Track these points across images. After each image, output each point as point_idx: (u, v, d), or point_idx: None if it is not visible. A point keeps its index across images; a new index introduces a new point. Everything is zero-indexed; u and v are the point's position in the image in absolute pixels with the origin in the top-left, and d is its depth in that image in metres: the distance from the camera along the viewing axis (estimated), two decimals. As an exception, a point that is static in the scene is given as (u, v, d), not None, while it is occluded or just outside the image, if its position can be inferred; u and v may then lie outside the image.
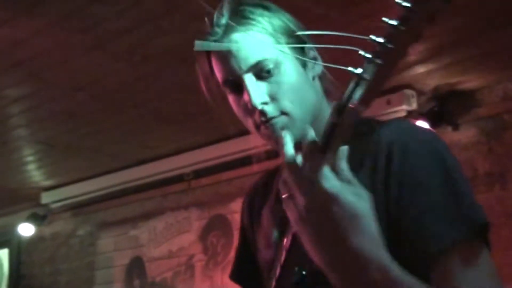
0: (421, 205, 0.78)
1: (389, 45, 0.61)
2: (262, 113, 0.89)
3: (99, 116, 3.31)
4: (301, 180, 0.71)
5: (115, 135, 3.63)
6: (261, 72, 0.89)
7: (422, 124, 2.84)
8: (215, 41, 0.92)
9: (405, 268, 0.72)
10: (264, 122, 0.90)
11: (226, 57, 0.91)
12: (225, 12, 0.93)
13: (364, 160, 0.85)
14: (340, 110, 0.67)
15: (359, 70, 0.64)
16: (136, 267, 4.29)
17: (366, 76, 0.64)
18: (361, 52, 0.63)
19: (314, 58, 0.95)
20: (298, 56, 0.92)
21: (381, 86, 0.65)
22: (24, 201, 4.85)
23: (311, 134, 0.72)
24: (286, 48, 0.91)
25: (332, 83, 0.98)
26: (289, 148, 0.74)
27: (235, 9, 0.93)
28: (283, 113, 0.90)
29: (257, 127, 0.92)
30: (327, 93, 0.98)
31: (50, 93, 2.98)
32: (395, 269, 0.70)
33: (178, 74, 2.75)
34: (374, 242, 0.70)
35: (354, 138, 0.71)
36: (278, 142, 0.88)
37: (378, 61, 0.62)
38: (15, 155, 3.88)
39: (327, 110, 0.94)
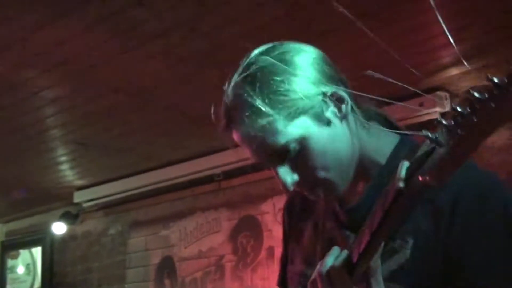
0: (481, 256, 0.77)
1: (474, 118, 0.52)
2: (301, 190, 0.90)
3: (133, 117, 3.36)
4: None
5: (148, 135, 3.68)
6: (285, 156, 0.86)
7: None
8: (224, 128, 0.91)
9: None
10: (308, 195, 0.92)
11: (243, 145, 0.90)
12: (231, 99, 0.89)
13: (426, 215, 0.81)
14: (407, 177, 0.62)
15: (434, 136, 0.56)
16: (167, 266, 4.34)
17: (444, 143, 0.55)
18: (440, 119, 0.56)
19: (339, 100, 0.88)
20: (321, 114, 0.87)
21: (469, 152, 0.55)
22: (57, 200, 4.95)
23: (343, 254, 0.77)
24: (302, 116, 0.85)
25: (365, 107, 0.93)
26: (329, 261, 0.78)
27: (241, 98, 0.87)
28: (321, 182, 0.88)
29: None
30: (363, 123, 0.92)
31: (86, 94, 3.04)
32: None
33: (212, 76, 2.78)
34: None
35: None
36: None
37: (460, 131, 0.53)
38: (49, 155, 3.97)
39: (369, 140, 0.92)
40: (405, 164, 0.63)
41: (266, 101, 0.84)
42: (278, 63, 0.86)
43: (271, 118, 0.84)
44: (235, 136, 0.89)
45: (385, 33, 2.36)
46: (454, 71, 2.80)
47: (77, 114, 3.30)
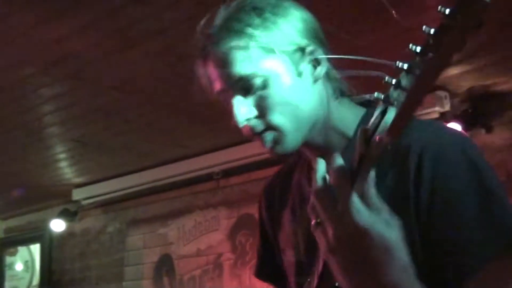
0: (454, 218, 0.76)
1: (430, 54, 0.54)
2: (250, 128, 0.88)
3: (132, 115, 3.36)
4: (331, 209, 0.68)
5: (147, 134, 3.67)
6: (248, 86, 0.87)
7: (455, 126, 2.81)
8: (202, 49, 0.91)
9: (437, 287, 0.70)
10: (254, 136, 0.89)
11: (215, 69, 0.90)
12: (218, 20, 0.90)
13: (394, 166, 0.81)
14: (367, 140, 0.64)
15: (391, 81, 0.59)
16: (165, 264, 4.34)
17: (399, 93, 0.58)
18: (397, 63, 0.57)
19: (317, 60, 0.90)
20: (291, 64, 0.88)
21: (414, 106, 0.58)
22: (56, 197, 4.95)
23: (339, 161, 0.69)
24: (278, 57, 0.87)
25: (341, 81, 0.94)
26: (320, 175, 0.71)
27: (228, 18, 0.90)
28: (272, 127, 0.87)
29: (252, 138, 0.91)
30: (337, 92, 0.93)
31: (85, 92, 3.03)
32: None
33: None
34: (406, 274, 0.67)
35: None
36: (271, 153, 0.89)
37: (417, 71, 0.56)
38: (48, 152, 3.96)
39: (337, 112, 0.92)
40: (363, 129, 0.65)
41: (251, 25, 0.87)
42: (275, 1, 0.89)
43: (249, 43, 0.86)
44: (209, 59, 0.90)
45: (383, 33, 2.36)
46: (453, 70, 2.80)
47: (75, 112, 3.29)
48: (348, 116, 0.92)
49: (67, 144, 3.83)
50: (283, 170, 1.11)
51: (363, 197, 0.67)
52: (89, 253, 4.89)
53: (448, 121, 2.94)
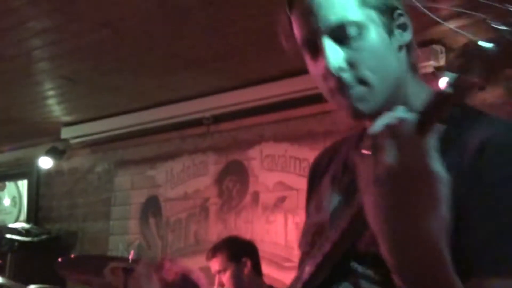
0: (492, 219, 0.72)
1: None
2: (339, 80, 0.83)
3: (123, 54, 3.30)
4: (400, 138, 0.65)
5: (137, 75, 3.62)
6: (342, 35, 0.83)
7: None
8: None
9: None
10: (339, 89, 0.84)
11: (306, 15, 0.85)
12: None
13: (454, 148, 0.77)
14: (455, 82, 0.61)
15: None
16: (152, 206, 4.38)
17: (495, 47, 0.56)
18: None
19: (404, 26, 0.87)
20: (385, 21, 0.84)
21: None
22: (44, 135, 4.92)
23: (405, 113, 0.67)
24: (372, 11, 0.84)
25: (418, 57, 0.91)
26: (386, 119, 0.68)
27: None
28: (362, 82, 0.83)
29: (332, 94, 0.86)
30: (413, 67, 0.90)
31: (75, 28, 2.96)
32: (452, 269, 0.66)
33: (205, 16, 2.71)
34: (444, 233, 0.65)
35: (449, 121, 0.66)
36: (352, 111, 0.84)
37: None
38: (37, 88, 3.91)
39: (411, 86, 0.88)
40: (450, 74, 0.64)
41: None
42: None
43: None
44: (297, 4, 0.86)
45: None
46: (451, 25, 2.75)
47: (65, 48, 3.23)
48: (421, 93, 0.87)
49: (56, 81, 3.78)
50: (336, 143, 1.08)
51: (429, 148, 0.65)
52: (77, 191, 4.91)
53: (442, 76, 2.91)
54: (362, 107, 0.84)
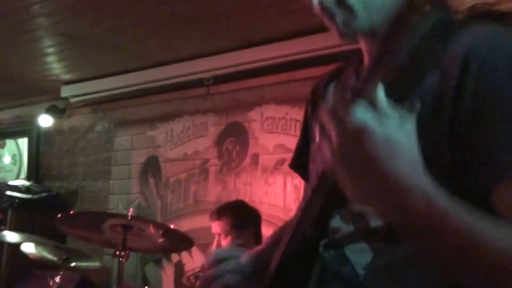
0: (496, 124, 0.70)
1: None
2: (321, 3, 0.85)
3: (123, 12, 3.24)
4: (334, 118, 0.66)
5: (138, 33, 3.58)
6: None
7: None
8: None
9: (462, 196, 0.66)
10: (324, 14, 0.86)
11: None
12: None
13: (437, 67, 0.74)
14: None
15: None
16: (152, 166, 4.39)
17: None
18: None
19: None
20: None
21: None
22: (44, 93, 4.90)
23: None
24: None
25: None
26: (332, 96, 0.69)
27: None
28: (345, 6, 0.84)
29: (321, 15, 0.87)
30: None
31: (74, -17, 2.91)
32: (443, 198, 0.64)
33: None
34: (414, 168, 0.64)
35: (426, 38, 0.63)
36: (341, 36, 0.85)
37: None
38: (36, 45, 3.86)
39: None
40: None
41: None
42: None
43: None
44: None
45: None
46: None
47: (65, 4, 3.18)
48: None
49: (55, 38, 3.73)
50: (335, 68, 1.08)
51: (371, 102, 0.64)
52: (77, 150, 4.92)
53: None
54: (347, 31, 0.86)
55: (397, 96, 0.69)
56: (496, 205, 0.68)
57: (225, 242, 2.79)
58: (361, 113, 0.64)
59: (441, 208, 0.63)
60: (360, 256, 0.81)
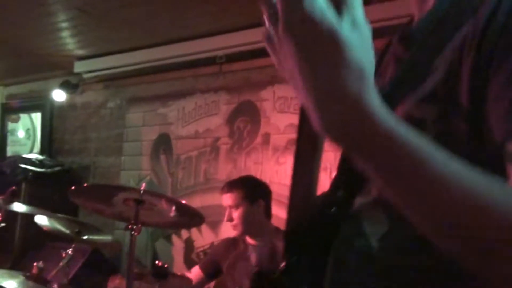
0: None
1: None
2: None
3: (137, -13, 3.24)
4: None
5: (152, 9, 3.57)
6: None
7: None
8: None
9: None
10: None
11: None
12: None
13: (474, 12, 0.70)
14: None
15: None
16: (163, 143, 4.42)
17: None
18: None
19: None
20: None
21: None
22: (57, 68, 4.92)
23: None
24: None
25: None
26: None
27: None
28: None
29: None
30: None
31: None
32: (400, 127, 0.57)
33: None
34: (363, 84, 0.56)
35: None
36: None
37: None
38: (50, 19, 3.87)
39: None
40: None
41: None
42: None
43: None
44: None
45: None
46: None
47: (79, -22, 3.17)
48: None
49: (69, 13, 3.74)
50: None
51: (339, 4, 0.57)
52: (89, 126, 4.96)
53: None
54: None
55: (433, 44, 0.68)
56: (506, 160, 0.63)
57: (236, 214, 2.83)
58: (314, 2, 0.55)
59: (389, 129, 0.56)
60: (375, 228, 0.78)
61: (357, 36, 0.57)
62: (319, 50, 0.56)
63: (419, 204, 0.58)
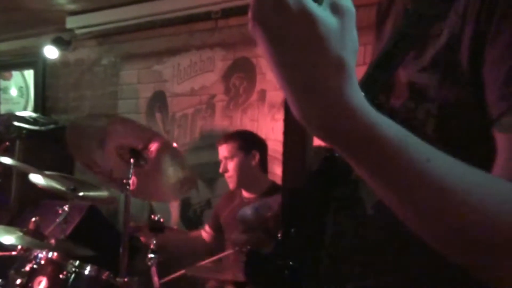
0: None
1: None
2: None
3: None
4: None
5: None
6: None
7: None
8: None
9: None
10: None
11: None
12: None
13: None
14: None
15: None
16: (158, 100, 4.38)
17: None
18: None
19: None
20: None
21: None
22: (49, 24, 4.81)
23: None
24: None
25: None
26: None
27: None
28: None
29: None
30: None
31: None
32: (382, 122, 0.56)
33: None
34: (337, 72, 0.53)
35: None
36: None
37: None
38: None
39: None
40: None
41: None
42: None
43: None
44: None
45: None
46: None
47: None
48: None
49: (59, -35, 3.63)
50: None
51: None
52: (83, 83, 4.89)
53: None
54: None
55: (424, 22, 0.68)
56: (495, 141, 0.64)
57: (231, 165, 2.85)
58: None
59: (370, 124, 0.55)
60: (370, 194, 0.78)
61: (338, 21, 0.53)
62: (292, 40, 0.52)
63: (401, 198, 0.58)
